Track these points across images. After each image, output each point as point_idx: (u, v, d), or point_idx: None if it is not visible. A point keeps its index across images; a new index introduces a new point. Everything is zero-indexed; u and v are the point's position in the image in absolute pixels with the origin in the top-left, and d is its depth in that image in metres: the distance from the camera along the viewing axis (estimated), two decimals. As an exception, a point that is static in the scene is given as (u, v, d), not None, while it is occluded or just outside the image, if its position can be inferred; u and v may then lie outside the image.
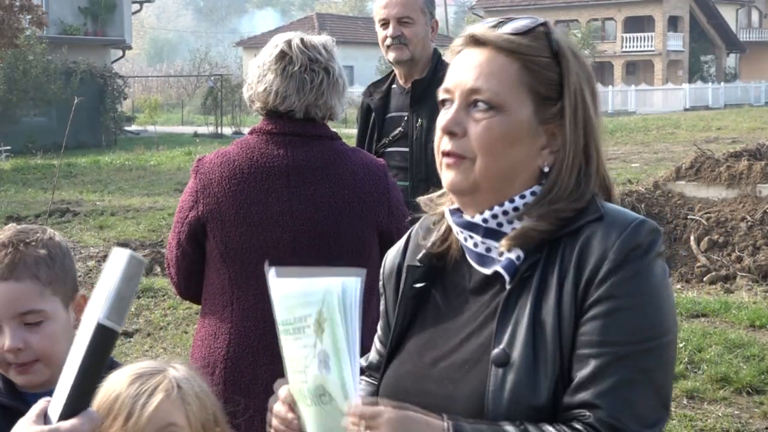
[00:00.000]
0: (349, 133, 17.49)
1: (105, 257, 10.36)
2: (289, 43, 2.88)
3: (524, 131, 1.72)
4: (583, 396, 1.59)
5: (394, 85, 4.38)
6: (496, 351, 1.65)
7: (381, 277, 1.98)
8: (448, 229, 1.83)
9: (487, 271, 1.72)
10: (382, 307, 1.97)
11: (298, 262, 2.83)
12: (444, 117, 1.75)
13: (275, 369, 2.80)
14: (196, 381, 1.81)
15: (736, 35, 59.47)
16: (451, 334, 1.76)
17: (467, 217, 1.76)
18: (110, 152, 25.97)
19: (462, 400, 1.67)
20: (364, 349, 1.68)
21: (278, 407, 1.70)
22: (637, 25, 56.05)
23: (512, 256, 1.70)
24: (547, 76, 1.73)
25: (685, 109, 43.98)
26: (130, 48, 37.36)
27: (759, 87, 50.17)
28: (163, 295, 8.49)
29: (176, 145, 27.69)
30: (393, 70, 4.40)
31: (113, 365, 1.88)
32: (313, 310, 1.56)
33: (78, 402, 1.53)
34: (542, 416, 1.61)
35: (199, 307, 3.05)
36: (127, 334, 7.50)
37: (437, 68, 4.22)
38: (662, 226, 9.22)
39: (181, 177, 18.86)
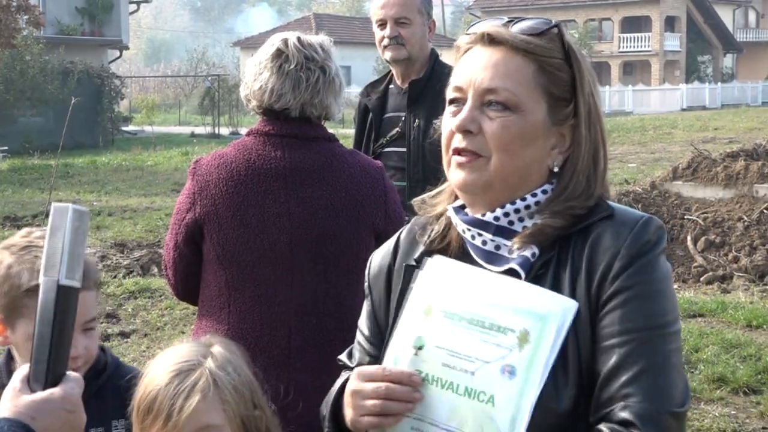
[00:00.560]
0: (346, 133, 17.49)
1: (103, 257, 10.36)
2: (285, 41, 2.88)
3: (539, 132, 1.73)
4: (614, 387, 1.60)
5: (391, 86, 4.39)
6: None
7: (366, 278, 1.97)
8: (448, 227, 1.83)
9: (498, 268, 1.72)
10: (368, 308, 1.95)
11: (295, 264, 2.83)
12: (458, 117, 1.74)
13: (272, 371, 2.81)
14: (234, 368, 1.83)
15: (733, 35, 59.52)
16: None
17: (477, 215, 1.76)
18: (107, 152, 25.95)
19: None
20: None
21: (402, 382, 1.67)
22: (634, 25, 56.07)
23: (527, 253, 1.70)
24: (560, 78, 1.74)
25: (682, 110, 44.00)
26: (127, 48, 37.33)
27: (756, 87, 50.21)
28: (160, 296, 8.49)
29: (173, 145, 27.67)
30: (390, 71, 4.40)
31: (131, 372, 1.96)
32: (522, 325, 1.59)
33: (59, 366, 1.55)
34: (563, 425, 1.61)
35: (196, 307, 3.05)
36: (124, 335, 7.50)
37: (434, 68, 4.23)
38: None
39: (178, 177, 18.85)
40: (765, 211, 10.53)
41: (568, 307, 1.61)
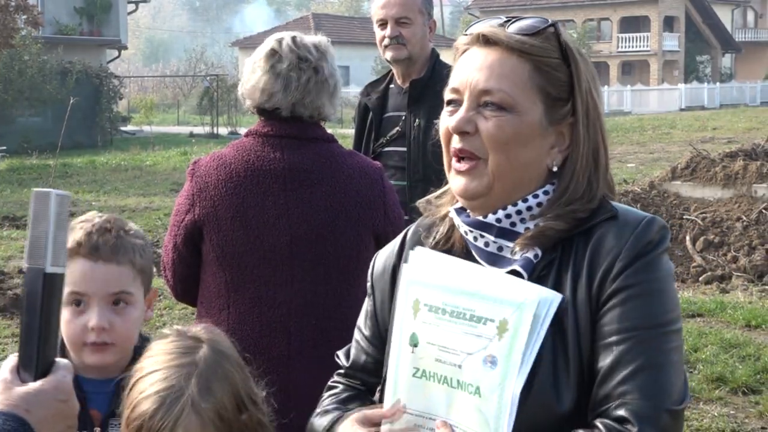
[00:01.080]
0: (345, 133, 17.49)
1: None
2: (280, 41, 2.88)
3: (535, 131, 1.72)
4: (611, 385, 1.60)
5: (391, 85, 4.39)
6: None
7: (369, 278, 1.96)
8: (452, 228, 1.83)
9: (500, 270, 1.72)
10: (369, 307, 1.95)
11: (294, 265, 2.82)
12: (454, 117, 1.74)
13: (271, 372, 2.80)
14: (220, 380, 1.79)
15: (732, 35, 59.54)
16: None
17: (479, 217, 1.76)
18: (106, 152, 25.94)
19: None
20: None
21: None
22: (632, 25, 56.09)
23: (530, 254, 1.70)
24: (557, 77, 1.74)
25: (681, 109, 44.02)
26: (125, 48, 37.32)
27: (754, 87, 50.23)
28: (159, 296, 8.48)
29: (172, 145, 27.66)
30: (390, 70, 4.40)
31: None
32: (501, 314, 1.59)
33: (48, 354, 1.54)
34: (566, 425, 1.61)
35: (195, 308, 3.04)
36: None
37: (435, 68, 4.23)
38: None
39: (176, 177, 18.84)
40: (764, 210, 10.53)
41: (547, 297, 1.60)
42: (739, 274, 9.52)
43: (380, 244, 2.86)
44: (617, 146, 23.87)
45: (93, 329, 2.08)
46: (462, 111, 1.73)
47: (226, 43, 77.18)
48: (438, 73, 4.15)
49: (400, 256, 1.91)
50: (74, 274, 2.07)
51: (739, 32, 62.59)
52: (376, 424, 1.70)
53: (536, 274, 1.69)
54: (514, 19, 1.77)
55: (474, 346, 1.60)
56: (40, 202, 1.50)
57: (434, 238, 1.84)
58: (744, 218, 10.50)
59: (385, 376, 1.78)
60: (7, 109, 28.27)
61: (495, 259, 1.74)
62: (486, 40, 1.76)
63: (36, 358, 1.52)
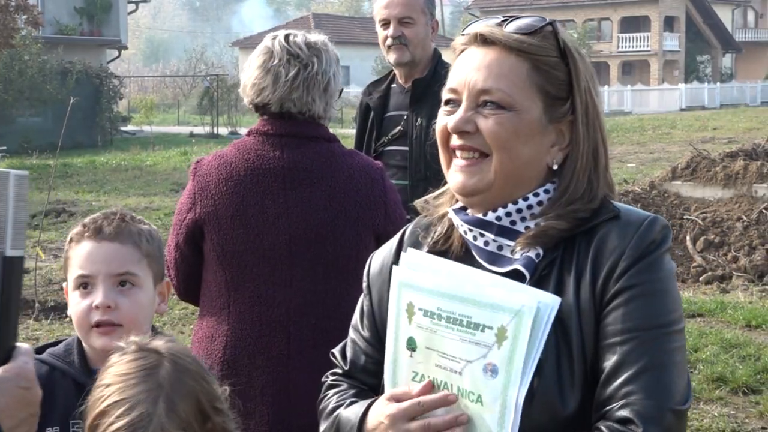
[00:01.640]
0: (345, 133, 17.47)
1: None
2: (274, 38, 2.90)
3: (535, 129, 1.72)
4: (614, 385, 1.60)
5: (393, 84, 4.39)
6: None
7: (366, 277, 1.95)
8: (451, 228, 1.82)
9: (501, 269, 1.71)
10: (366, 307, 1.93)
11: (293, 264, 2.82)
12: (453, 117, 1.73)
13: (271, 372, 2.80)
14: (183, 406, 1.72)
15: (732, 35, 59.52)
16: None
17: (479, 215, 1.75)
18: (106, 152, 25.94)
19: None
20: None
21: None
22: (633, 25, 56.08)
23: (531, 253, 1.70)
24: (556, 76, 1.73)
25: (681, 109, 44.01)
26: (125, 48, 37.32)
27: (755, 87, 50.21)
28: (160, 296, 8.47)
29: (172, 145, 27.66)
30: (392, 70, 4.40)
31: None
32: (499, 321, 1.58)
33: (8, 340, 1.49)
34: (571, 427, 1.60)
35: (195, 307, 3.04)
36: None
37: (437, 68, 4.23)
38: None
39: (177, 177, 18.85)
40: (764, 210, 10.53)
41: (547, 302, 1.58)
42: (739, 274, 9.51)
43: (381, 243, 2.86)
44: (617, 146, 23.86)
45: (98, 307, 2.09)
46: (461, 111, 1.73)
47: (226, 43, 77.19)
48: (440, 73, 4.15)
49: (398, 255, 1.89)
50: (80, 256, 2.12)
51: (740, 32, 62.57)
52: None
53: (538, 273, 1.69)
54: (511, 19, 1.77)
55: (473, 353, 1.59)
56: None
57: (432, 237, 1.84)
58: (744, 218, 10.50)
59: (384, 377, 1.77)
60: (7, 109, 28.27)
61: (495, 258, 1.73)
62: (484, 40, 1.75)
63: None
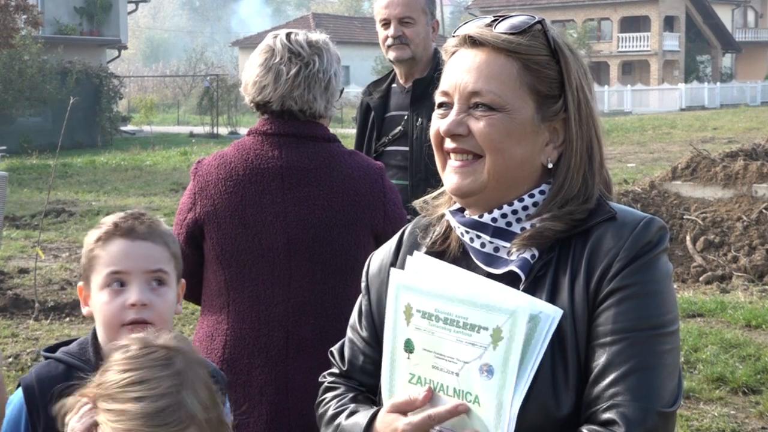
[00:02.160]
0: (345, 133, 17.47)
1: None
2: (275, 37, 2.91)
3: (528, 129, 1.72)
4: (601, 386, 1.59)
5: (393, 84, 4.39)
6: None
7: (365, 277, 1.95)
8: (449, 228, 1.82)
9: (497, 271, 1.71)
10: (364, 307, 1.93)
11: (292, 264, 2.82)
12: (445, 121, 1.73)
13: (270, 371, 2.80)
14: (202, 394, 1.76)
15: (732, 35, 59.52)
16: None
17: (474, 217, 1.75)
18: (106, 152, 25.94)
19: None
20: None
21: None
22: (633, 25, 56.08)
23: (527, 255, 1.69)
24: (547, 74, 1.73)
25: (681, 109, 44.03)
26: (125, 48, 37.31)
27: (755, 87, 50.24)
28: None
29: (172, 145, 27.67)
30: (393, 70, 4.40)
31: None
32: (494, 322, 1.58)
33: None
34: (566, 428, 1.60)
35: (195, 306, 3.04)
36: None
37: (438, 68, 4.22)
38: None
39: (176, 177, 18.85)
40: (764, 210, 10.53)
41: (548, 313, 1.59)
42: (739, 274, 9.51)
43: (380, 244, 2.86)
44: (618, 146, 23.87)
45: (134, 305, 2.09)
46: (453, 114, 1.73)
47: (226, 43, 77.18)
48: (441, 72, 4.14)
49: (397, 255, 1.90)
50: (113, 254, 2.13)
51: (740, 32, 62.58)
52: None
53: (533, 274, 1.68)
54: (501, 19, 1.76)
55: (470, 354, 1.59)
56: None
57: (431, 238, 1.84)
58: (744, 218, 10.50)
59: (381, 379, 1.76)
60: (7, 109, 28.26)
61: (491, 260, 1.73)
62: (473, 42, 1.75)
63: None
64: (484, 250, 1.74)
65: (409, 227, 1.93)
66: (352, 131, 4.57)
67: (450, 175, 1.74)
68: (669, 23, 56.03)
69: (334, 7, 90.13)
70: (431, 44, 4.29)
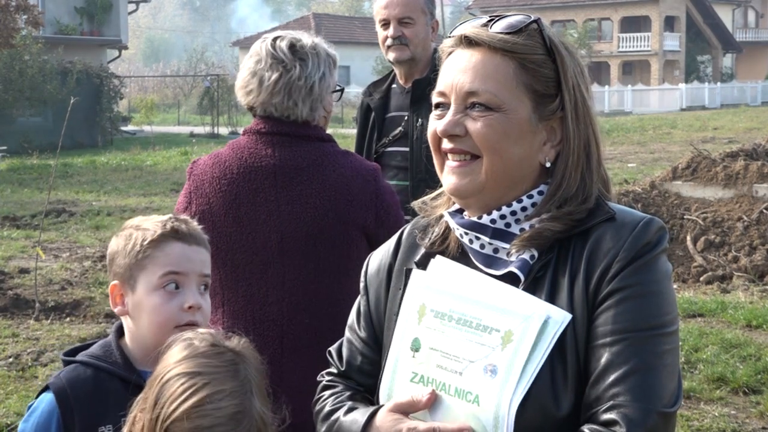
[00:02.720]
0: (345, 133, 17.45)
1: (101, 258, 10.34)
2: (263, 41, 2.92)
3: (525, 128, 1.71)
4: (602, 387, 1.59)
5: (393, 85, 4.38)
6: None
7: (364, 277, 1.95)
8: (448, 229, 1.82)
9: (497, 272, 1.71)
10: (363, 307, 1.93)
11: (285, 263, 2.82)
12: (442, 121, 1.73)
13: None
14: (263, 401, 1.81)
15: (733, 35, 59.52)
16: None
17: (473, 218, 1.75)
18: (106, 152, 25.95)
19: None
20: None
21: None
22: (633, 25, 56.08)
23: (526, 256, 1.69)
24: (543, 74, 1.72)
25: (682, 109, 44.03)
26: (126, 48, 37.34)
27: (755, 87, 50.24)
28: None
29: (172, 145, 27.68)
30: (393, 70, 4.40)
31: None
32: (508, 325, 1.59)
33: None
34: (565, 429, 1.60)
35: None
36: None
37: (437, 68, 4.22)
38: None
39: (177, 177, 18.85)
40: (764, 210, 10.52)
41: (557, 319, 1.59)
42: (739, 274, 9.51)
43: (372, 244, 2.85)
44: (618, 146, 23.87)
45: (191, 308, 2.11)
46: (450, 114, 1.72)
47: (226, 42, 77.21)
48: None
49: (396, 255, 1.89)
50: (171, 255, 2.14)
51: (740, 32, 62.57)
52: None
53: (532, 275, 1.68)
54: (497, 19, 1.76)
55: (477, 354, 1.59)
56: None
57: (430, 239, 1.83)
58: (745, 218, 10.49)
59: (381, 378, 1.76)
60: (7, 109, 28.28)
61: (491, 261, 1.73)
62: (469, 42, 1.75)
63: None
64: (484, 251, 1.74)
65: (407, 228, 1.93)
66: (353, 131, 4.58)
67: (448, 175, 1.74)
68: (669, 23, 56.02)
69: (335, 7, 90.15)
70: (431, 44, 4.29)
